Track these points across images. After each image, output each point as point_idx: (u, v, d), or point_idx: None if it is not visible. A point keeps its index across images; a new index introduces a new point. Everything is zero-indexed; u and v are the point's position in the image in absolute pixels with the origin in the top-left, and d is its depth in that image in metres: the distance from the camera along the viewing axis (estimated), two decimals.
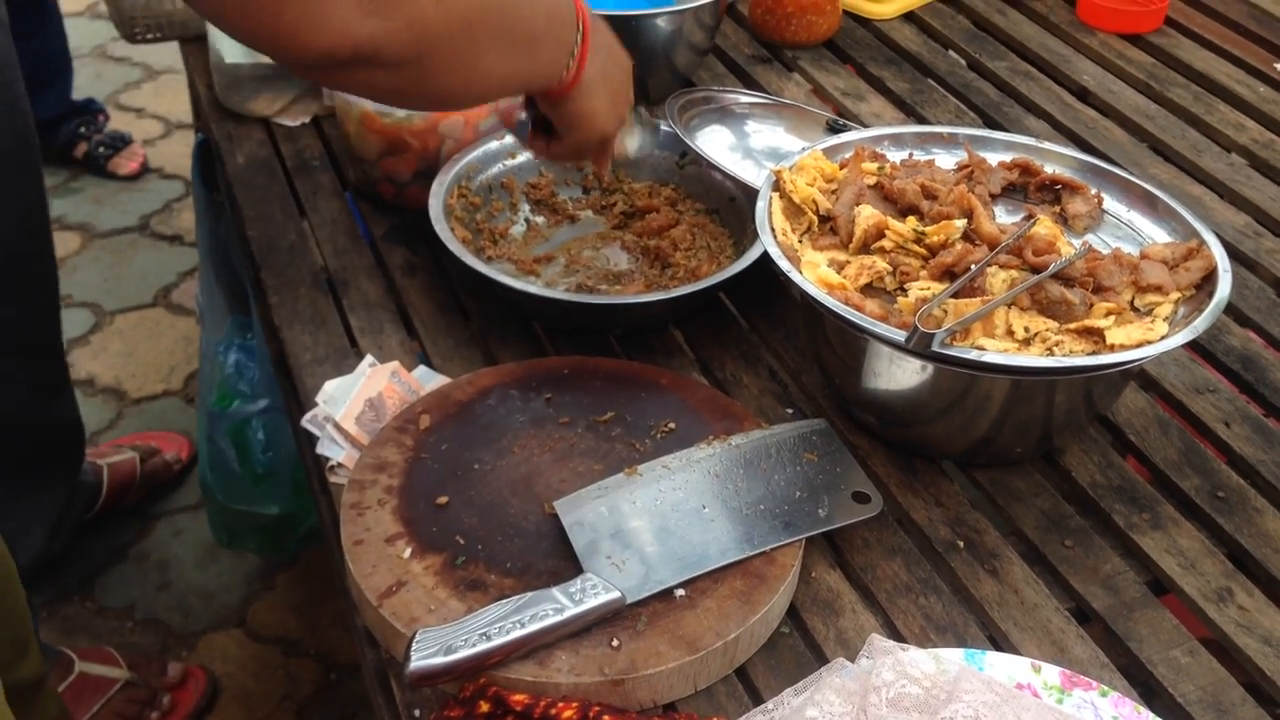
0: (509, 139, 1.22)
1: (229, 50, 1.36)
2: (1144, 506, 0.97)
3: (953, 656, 0.68)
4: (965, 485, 0.99)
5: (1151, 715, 0.68)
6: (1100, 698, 0.69)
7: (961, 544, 0.94)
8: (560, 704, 0.77)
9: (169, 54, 3.06)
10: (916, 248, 0.96)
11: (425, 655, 0.78)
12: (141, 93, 2.91)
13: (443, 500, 0.91)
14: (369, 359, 1.05)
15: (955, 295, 0.90)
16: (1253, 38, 1.60)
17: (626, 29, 1.33)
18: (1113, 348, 0.89)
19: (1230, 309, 1.17)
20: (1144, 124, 1.42)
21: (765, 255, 1.07)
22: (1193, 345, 1.13)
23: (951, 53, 1.56)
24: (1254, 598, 0.90)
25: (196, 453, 1.99)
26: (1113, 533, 0.96)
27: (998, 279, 0.93)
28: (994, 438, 0.96)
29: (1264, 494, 0.99)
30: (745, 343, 1.12)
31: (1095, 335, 0.90)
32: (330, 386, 1.01)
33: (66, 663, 1.55)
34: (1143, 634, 0.88)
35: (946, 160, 1.09)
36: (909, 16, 1.63)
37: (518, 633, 0.79)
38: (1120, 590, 0.91)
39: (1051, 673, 0.70)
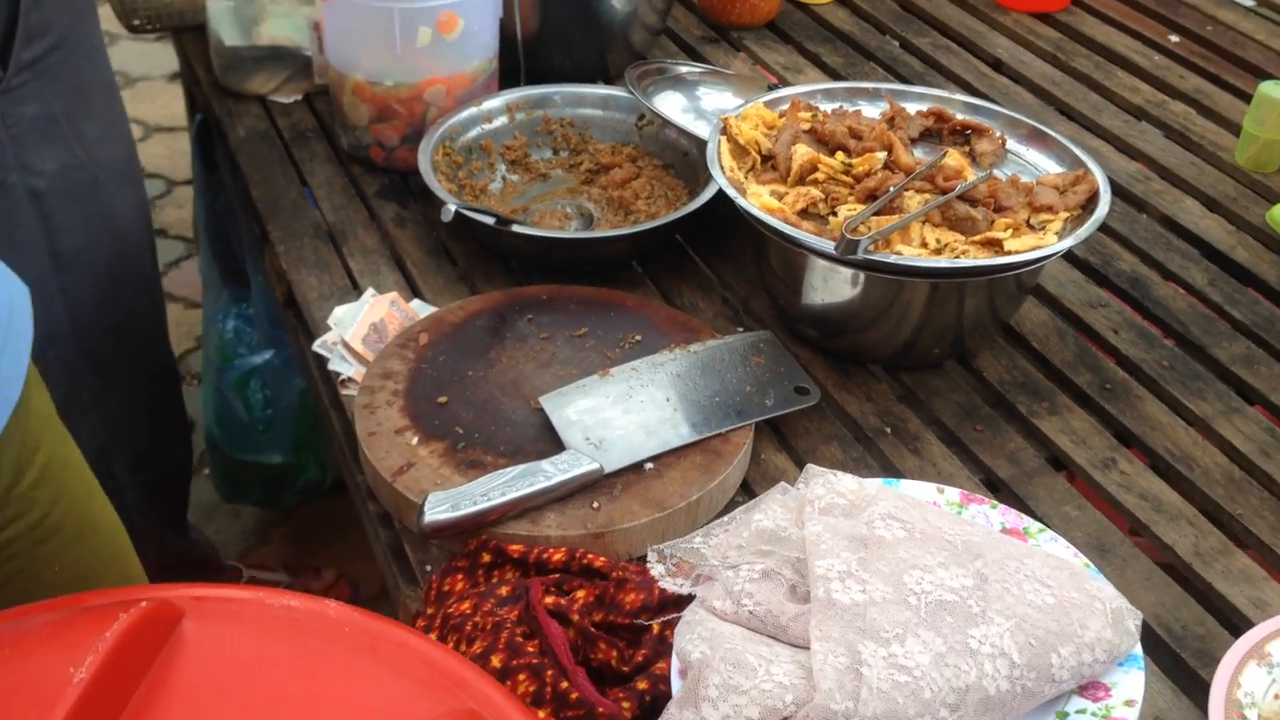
0: (485, 104, 1.38)
1: (228, 34, 1.50)
2: (1043, 398, 1.13)
3: (873, 481, 0.83)
4: (892, 385, 1.15)
5: (1032, 520, 0.83)
6: (991, 510, 0.84)
7: (889, 430, 1.09)
8: (550, 550, 0.92)
9: (144, 61, 3.19)
10: (845, 178, 1.12)
11: (436, 512, 0.92)
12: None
13: (443, 400, 1.05)
14: (371, 290, 1.19)
15: (877, 213, 1.06)
16: (1150, 14, 1.78)
17: (587, 9, 1.49)
18: (1011, 254, 1.05)
19: (1122, 240, 1.34)
20: (1051, 89, 1.60)
21: (716, 197, 1.23)
22: (1087, 268, 1.30)
23: (882, 33, 1.73)
24: (1134, 465, 1.07)
25: (191, 425, 2.12)
26: (1017, 419, 1.12)
27: (914, 201, 1.09)
28: (915, 342, 1.12)
29: (1145, 385, 1.15)
30: (700, 275, 1.27)
31: (996, 246, 1.06)
32: (339, 311, 1.15)
33: (236, 573, 1.72)
34: (1040, 495, 1.04)
35: (871, 111, 1.25)
36: (842, 1, 1.80)
37: (512, 494, 0.94)
38: (1022, 463, 1.07)
39: (953, 493, 0.85)
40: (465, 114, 1.36)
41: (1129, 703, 0.73)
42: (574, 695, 0.77)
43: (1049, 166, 1.19)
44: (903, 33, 1.72)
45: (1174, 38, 1.72)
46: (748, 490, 1.03)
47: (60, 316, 1.34)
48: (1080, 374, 1.16)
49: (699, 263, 1.29)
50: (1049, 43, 1.70)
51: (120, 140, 1.44)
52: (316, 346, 1.15)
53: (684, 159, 1.36)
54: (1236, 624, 0.93)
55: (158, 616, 0.62)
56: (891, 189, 1.08)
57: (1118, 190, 1.41)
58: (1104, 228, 1.35)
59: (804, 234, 1.05)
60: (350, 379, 1.12)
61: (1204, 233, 1.35)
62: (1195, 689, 0.89)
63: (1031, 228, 1.10)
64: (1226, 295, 1.26)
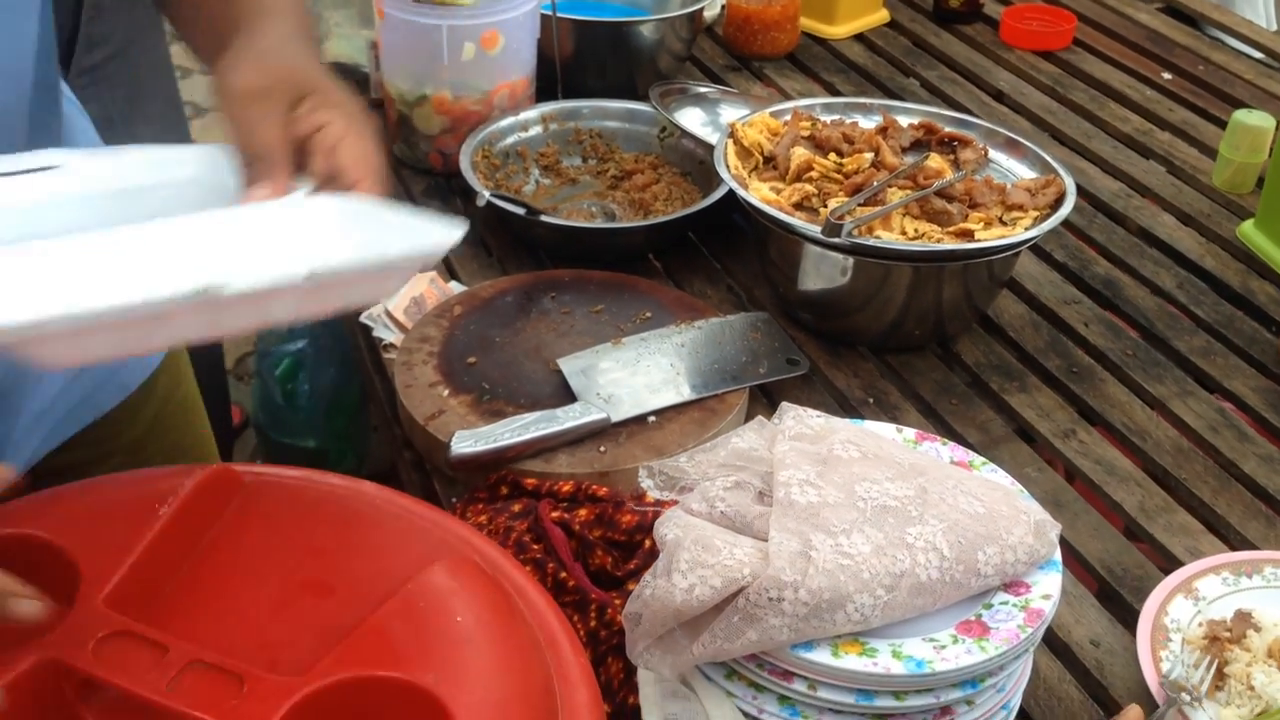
0: (523, 115, 1.53)
1: None
2: (1015, 377, 1.25)
3: (840, 420, 0.95)
4: (878, 364, 1.27)
5: (979, 456, 0.95)
6: (942, 446, 0.96)
7: (871, 400, 1.22)
8: (560, 483, 1.05)
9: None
10: (837, 176, 1.25)
11: (462, 446, 1.06)
12: (192, 128, 3.23)
13: (472, 360, 1.19)
14: None
15: (862, 205, 1.20)
16: (1147, 54, 1.91)
17: (618, 34, 1.64)
18: (981, 242, 1.17)
19: (1099, 248, 1.46)
20: (1047, 118, 1.72)
21: (726, 199, 1.37)
22: (1065, 270, 1.42)
23: (893, 65, 1.87)
24: (1091, 435, 1.18)
25: (247, 418, 2.28)
26: (990, 395, 1.24)
27: (896, 196, 1.22)
28: (900, 323, 1.25)
29: (1109, 369, 1.27)
30: (710, 268, 1.41)
31: (969, 236, 1.19)
32: None
33: None
34: (1005, 458, 1.15)
35: (866, 123, 1.38)
36: (858, 37, 1.94)
37: (529, 435, 1.07)
38: (991, 431, 1.19)
39: (909, 432, 0.97)
40: (505, 122, 1.51)
41: (1045, 596, 0.84)
42: (571, 583, 0.90)
43: (1024, 173, 1.32)
44: (913, 66, 1.85)
45: (1167, 75, 1.85)
46: None
47: None
48: (1050, 359, 1.28)
49: (709, 257, 1.42)
50: (1049, 77, 1.83)
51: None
52: (363, 317, 1.30)
53: (700, 167, 1.50)
54: (1172, 568, 1.04)
55: (225, 478, 0.76)
56: (876, 183, 1.21)
57: (1100, 206, 1.54)
58: (1083, 236, 1.48)
59: (796, 220, 1.18)
60: (391, 344, 1.26)
61: (1176, 243, 1.46)
62: (1130, 619, 1.00)
63: (1004, 223, 1.23)
64: (1192, 296, 1.37)
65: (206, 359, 1.73)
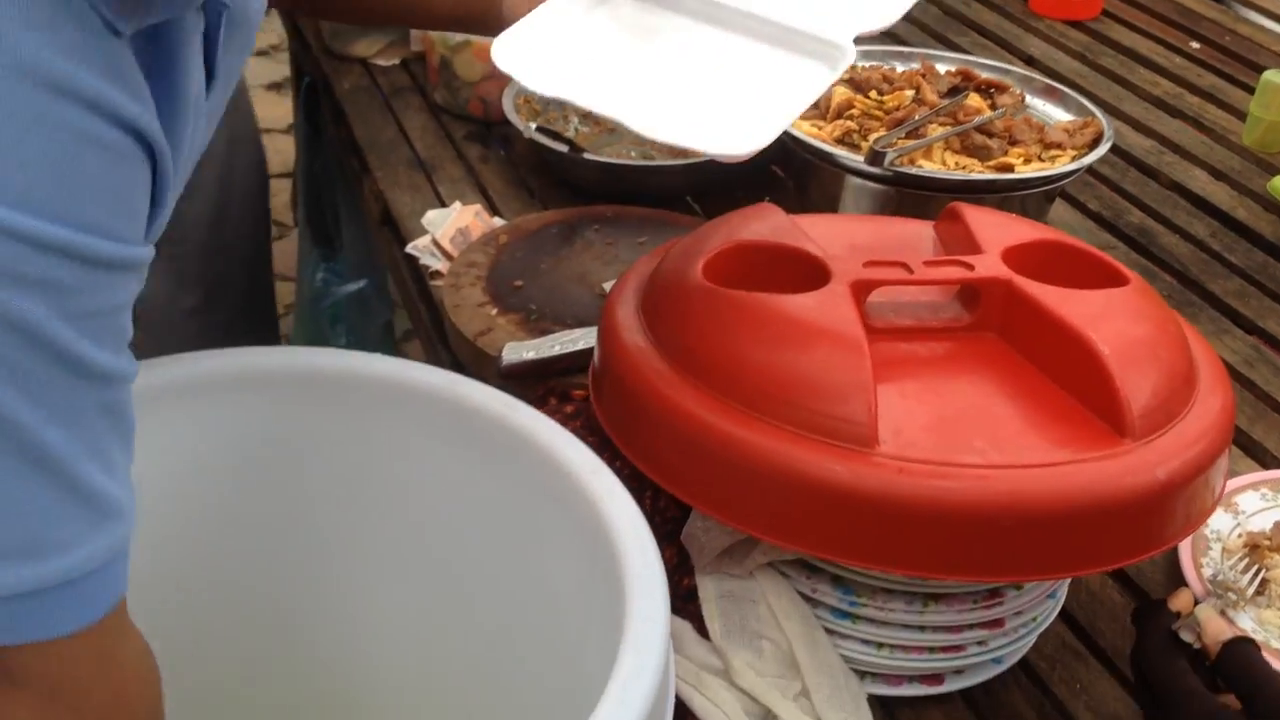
0: None
1: None
2: None
3: None
4: None
5: None
6: None
7: None
8: None
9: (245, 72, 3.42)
10: (878, 112, 1.27)
11: (513, 355, 1.08)
12: None
13: (519, 284, 1.21)
14: (458, 203, 1.36)
15: (902, 139, 1.22)
16: (1175, 25, 1.93)
17: None
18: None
19: (1133, 199, 1.48)
20: (1079, 80, 1.74)
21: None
22: (1100, 219, 1.44)
23: (925, 32, 1.89)
24: None
25: None
26: None
27: (936, 131, 1.24)
28: None
29: None
30: None
31: (1008, 170, 1.21)
32: (431, 214, 1.32)
33: None
34: None
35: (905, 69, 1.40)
36: None
37: (578, 347, 1.09)
38: None
39: None
40: None
41: None
42: (626, 470, 0.91)
43: (1062, 116, 1.34)
44: (943, 32, 1.88)
45: (1195, 44, 1.87)
46: None
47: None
48: None
49: (747, 202, 1.44)
50: (1079, 45, 1.85)
51: None
52: (409, 249, 1.32)
53: None
54: None
55: None
56: (917, 118, 1.23)
57: (1133, 161, 1.56)
58: (1116, 189, 1.50)
59: (839, 151, 1.20)
60: (438, 272, 1.28)
61: (1209, 196, 1.48)
62: None
63: (1042, 160, 1.25)
64: (1225, 245, 1.39)
65: (258, 285, 1.75)
